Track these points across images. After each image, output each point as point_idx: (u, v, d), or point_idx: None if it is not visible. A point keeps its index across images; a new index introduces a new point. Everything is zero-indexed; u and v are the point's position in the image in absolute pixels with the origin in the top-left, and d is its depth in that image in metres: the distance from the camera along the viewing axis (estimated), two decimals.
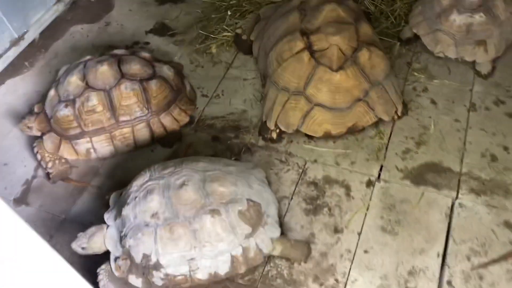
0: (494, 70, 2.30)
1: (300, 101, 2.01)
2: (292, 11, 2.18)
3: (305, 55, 1.99)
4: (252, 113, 2.30)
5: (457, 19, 2.21)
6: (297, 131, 2.10)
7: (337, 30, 1.98)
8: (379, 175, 1.99)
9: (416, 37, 2.41)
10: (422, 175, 1.97)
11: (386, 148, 2.07)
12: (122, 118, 2.05)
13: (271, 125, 2.10)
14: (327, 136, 2.07)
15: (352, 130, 2.06)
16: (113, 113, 2.03)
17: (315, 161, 2.07)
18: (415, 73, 2.34)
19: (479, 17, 2.16)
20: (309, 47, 2.01)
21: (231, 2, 2.78)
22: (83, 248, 1.71)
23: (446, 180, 1.95)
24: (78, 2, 3.10)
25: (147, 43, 2.76)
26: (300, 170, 2.05)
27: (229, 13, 2.71)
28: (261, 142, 2.17)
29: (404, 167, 2.00)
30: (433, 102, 2.22)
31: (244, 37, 2.53)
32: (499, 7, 2.15)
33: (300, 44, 2.02)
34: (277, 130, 2.11)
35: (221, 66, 2.57)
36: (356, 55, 1.98)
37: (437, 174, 1.97)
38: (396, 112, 2.10)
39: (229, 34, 2.64)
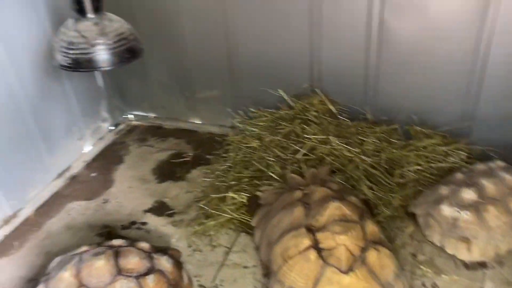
0: (503, 265, 2.25)
1: None
2: (296, 204, 2.19)
3: (312, 254, 1.93)
4: None
5: (446, 209, 2.26)
6: None
7: (343, 229, 1.97)
8: None
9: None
10: None
11: None
12: None
13: None
14: None
15: None
16: None
17: None
18: (422, 267, 2.28)
19: (465, 214, 2.21)
20: (315, 245, 1.97)
21: (231, 183, 2.81)
22: None
23: None
24: (78, 177, 3.14)
25: (145, 223, 2.71)
26: None
27: (230, 194, 2.70)
28: None
29: None
30: None
31: (261, 202, 2.51)
32: (489, 212, 2.20)
33: (306, 242, 1.98)
34: None
35: (220, 251, 2.48)
36: (364, 255, 1.93)
37: None
38: None
39: (228, 216, 2.60)
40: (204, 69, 3.25)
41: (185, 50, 3.21)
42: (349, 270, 1.87)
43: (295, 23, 2.86)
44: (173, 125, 3.61)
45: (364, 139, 2.79)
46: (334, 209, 2.05)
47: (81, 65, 1.93)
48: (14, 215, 2.73)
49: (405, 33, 2.70)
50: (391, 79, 2.86)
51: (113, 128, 3.60)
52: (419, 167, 2.70)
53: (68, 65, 1.97)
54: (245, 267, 2.37)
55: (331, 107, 2.99)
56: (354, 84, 2.94)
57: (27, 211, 2.80)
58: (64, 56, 1.96)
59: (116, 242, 2.15)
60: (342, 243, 1.92)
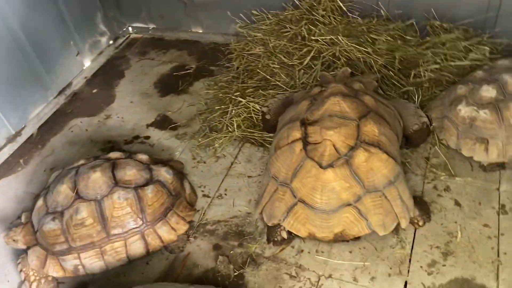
0: None
1: (286, 193, 1.86)
2: (306, 98, 2.06)
3: (297, 146, 1.85)
4: (257, 216, 2.10)
5: (463, 110, 2.11)
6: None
7: (334, 124, 1.84)
8: None
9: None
10: None
11: (410, 260, 1.84)
12: (113, 231, 1.86)
13: (256, 213, 1.98)
14: (313, 239, 1.88)
15: (342, 238, 1.84)
16: (104, 225, 1.85)
17: (330, 276, 1.83)
18: (434, 170, 2.16)
19: (483, 113, 2.04)
20: (304, 138, 1.87)
21: (234, 94, 2.66)
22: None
23: None
24: (79, 94, 3.05)
25: (148, 137, 2.64)
26: (313, 287, 1.81)
27: (231, 110, 2.55)
28: (268, 252, 1.95)
29: (432, 284, 1.76)
30: (457, 203, 2.01)
31: (267, 116, 2.38)
32: (510, 110, 2.01)
33: (296, 134, 1.89)
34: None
35: (225, 161, 2.41)
36: (350, 154, 1.80)
37: None
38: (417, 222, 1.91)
39: (230, 130, 2.49)
40: None
41: None
42: (329, 166, 1.77)
43: None
44: (174, 36, 3.41)
45: (377, 37, 2.55)
46: (332, 103, 1.90)
47: None
48: (17, 134, 2.70)
49: None
50: None
51: (112, 42, 3.43)
52: (436, 66, 2.48)
53: None
54: (250, 176, 2.31)
55: (340, 3, 2.71)
56: None
57: (30, 129, 2.76)
58: None
59: (114, 155, 2.10)
60: (328, 138, 1.79)
